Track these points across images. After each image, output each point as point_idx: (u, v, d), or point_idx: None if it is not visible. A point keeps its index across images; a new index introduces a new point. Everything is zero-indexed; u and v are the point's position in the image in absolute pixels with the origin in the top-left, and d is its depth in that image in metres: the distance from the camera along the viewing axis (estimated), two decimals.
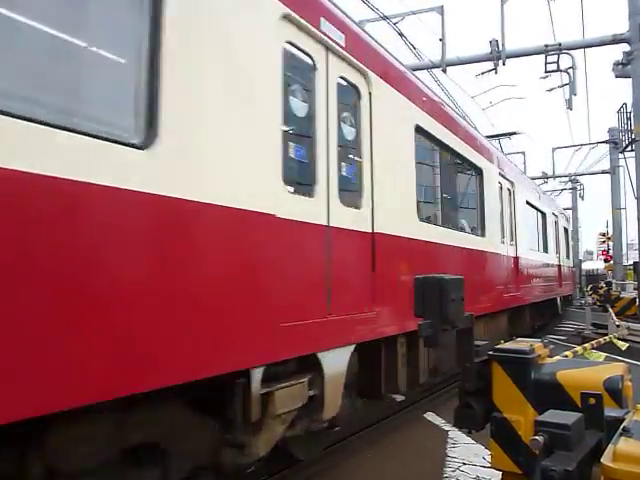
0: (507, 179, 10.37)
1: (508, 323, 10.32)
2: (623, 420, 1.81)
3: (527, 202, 12.06)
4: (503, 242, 9.54)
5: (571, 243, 21.77)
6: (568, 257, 20.26)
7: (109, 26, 2.77)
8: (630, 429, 1.68)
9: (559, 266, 16.82)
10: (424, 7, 14.67)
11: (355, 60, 4.71)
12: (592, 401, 1.88)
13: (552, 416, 1.80)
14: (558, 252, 16.88)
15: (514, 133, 16.83)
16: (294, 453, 4.49)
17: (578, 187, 34.35)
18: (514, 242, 10.33)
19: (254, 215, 3.29)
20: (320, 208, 4.11)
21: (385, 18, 13.19)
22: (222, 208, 3.06)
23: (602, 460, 1.55)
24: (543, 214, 14.68)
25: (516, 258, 10.32)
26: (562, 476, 1.55)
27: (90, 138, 2.40)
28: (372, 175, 4.88)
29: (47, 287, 2.21)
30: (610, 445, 1.61)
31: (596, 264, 50.79)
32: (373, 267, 4.79)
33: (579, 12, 27.16)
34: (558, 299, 17.30)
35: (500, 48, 14.37)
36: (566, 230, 20.37)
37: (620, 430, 1.69)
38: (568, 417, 1.76)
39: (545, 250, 14.53)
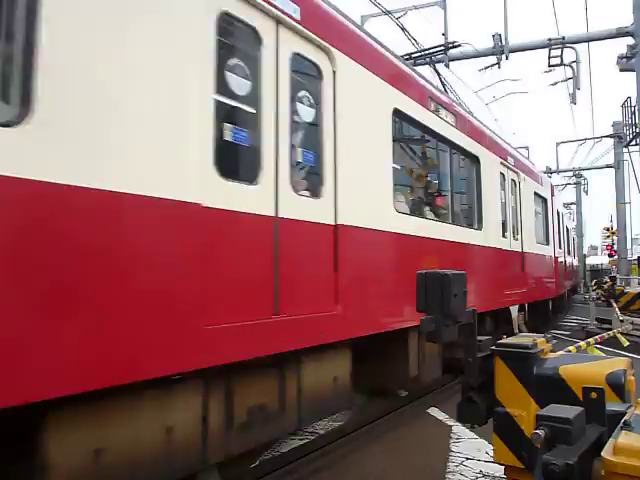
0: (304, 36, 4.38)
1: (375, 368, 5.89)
2: (624, 414, 1.82)
3: (414, 121, 6.50)
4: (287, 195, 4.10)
5: (552, 219, 13.87)
6: (548, 242, 13.27)
7: None
8: (631, 423, 1.69)
9: (522, 255, 10.33)
10: (427, 2, 14.66)
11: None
12: (594, 395, 1.88)
13: (553, 410, 1.81)
14: (519, 232, 10.33)
15: (452, 46, 11.70)
16: None
17: (582, 182, 34.30)
18: (332, 195, 4.61)
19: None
20: None
21: (387, 13, 13.16)
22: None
23: (602, 454, 1.56)
24: (474, 159, 8.31)
25: (336, 232, 4.63)
26: (563, 470, 1.56)
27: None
28: None
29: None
30: (611, 439, 1.62)
31: (600, 259, 50.82)
32: None
33: (583, 5, 27.04)
34: (514, 310, 9.82)
35: (503, 42, 14.36)
36: (545, 201, 13.31)
37: (621, 424, 1.70)
38: (569, 411, 1.77)
39: (477, 225, 8.27)
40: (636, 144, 14.92)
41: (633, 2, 13.47)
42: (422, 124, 6.69)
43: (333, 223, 4.62)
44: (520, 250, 10.29)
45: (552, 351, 2.75)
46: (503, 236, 9.34)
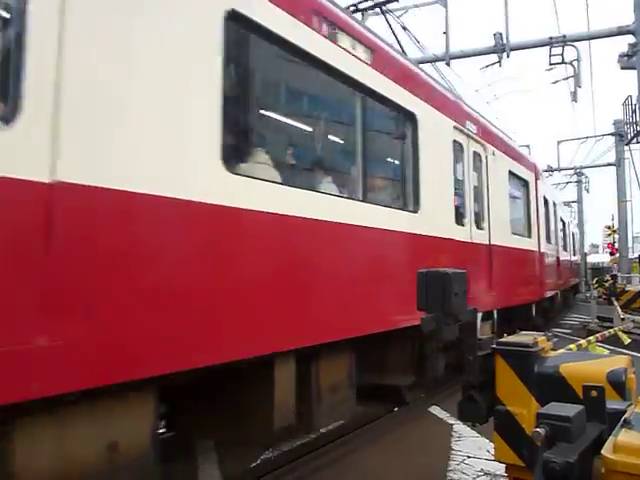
0: None
1: None
2: (625, 412, 1.82)
3: (285, 43, 4.21)
4: None
5: (536, 206, 11.53)
6: (531, 234, 10.94)
7: None
8: (631, 421, 1.69)
9: (489, 249, 8.15)
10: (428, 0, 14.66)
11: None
12: (594, 393, 1.89)
13: (554, 408, 1.81)
14: (485, 220, 8.23)
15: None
16: None
17: (583, 180, 34.30)
18: (45, 124, 2.50)
19: None
20: None
21: (388, 12, 13.14)
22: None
23: (602, 452, 1.56)
24: (406, 115, 6.03)
25: (52, 196, 2.51)
26: (563, 467, 1.56)
27: None
28: None
29: None
30: (611, 437, 1.63)
31: (602, 257, 50.81)
32: None
33: (584, 4, 27.03)
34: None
35: (504, 41, 14.33)
36: (527, 184, 11.07)
37: (621, 422, 1.71)
38: (569, 409, 1.77)
39: (411, 206, 6.07)
40: (637, 142, 14.91)
41: (634, 1, 13.44)
42: (302, 50, 4.38)
43: (46, 180, 2.47)
44: (487, 243, 8.12)
45: (553, 349, 2.76)
46: (459, 223, 7.25)
